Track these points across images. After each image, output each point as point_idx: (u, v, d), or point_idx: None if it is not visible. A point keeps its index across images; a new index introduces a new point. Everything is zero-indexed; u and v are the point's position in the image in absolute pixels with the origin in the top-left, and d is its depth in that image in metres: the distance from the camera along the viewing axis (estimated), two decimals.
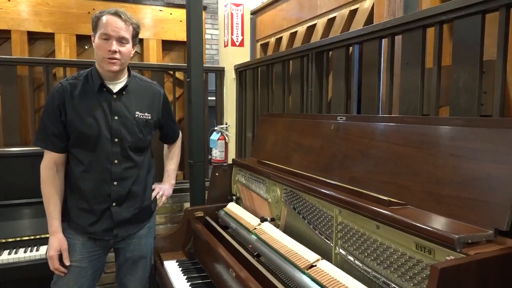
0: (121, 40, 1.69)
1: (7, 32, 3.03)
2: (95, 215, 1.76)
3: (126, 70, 1.82)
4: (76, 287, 1.78)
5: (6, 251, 2.18)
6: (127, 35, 1.70)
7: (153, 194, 1.96)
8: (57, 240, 1.74)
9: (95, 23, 1.71)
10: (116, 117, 1.75)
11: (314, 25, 2.96)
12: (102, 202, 1.76)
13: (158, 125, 1.96)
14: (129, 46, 1.73)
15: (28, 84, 2.89)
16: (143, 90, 1.87)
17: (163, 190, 2.03)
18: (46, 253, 1.77)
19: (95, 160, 1.73)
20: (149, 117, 1.84)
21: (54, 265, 1.73)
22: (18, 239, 2.25)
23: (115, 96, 1.76)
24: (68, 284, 1.77)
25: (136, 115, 1.80)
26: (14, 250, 2.19)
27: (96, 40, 1.70)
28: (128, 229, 1.85)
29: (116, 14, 1.69)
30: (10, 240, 2.24)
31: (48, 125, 1.72)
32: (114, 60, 1.68)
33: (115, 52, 1.66)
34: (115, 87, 1.77)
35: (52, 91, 1.75)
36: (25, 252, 2.18)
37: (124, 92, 1.78)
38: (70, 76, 1.81)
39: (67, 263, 1.74)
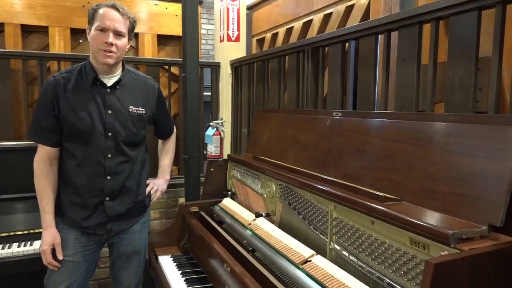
0: (117, 33, 1.68)
1: (0, 25, 2.99)
2: (89, 210, 1.75)
3: (120, 64, 1.81)
4: (69, 282, 1.77)
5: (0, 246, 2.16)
6: (124, 28, 1.70)
7: (147, 189, 1.96)
8: (50, 234, 1.73)
9: (92, 16, 1.69)
10: (109, 111, 1.74)
11: (310, 20, 2.95)
12: (96, 196, 1.75)
13: (152, 120, 1.95)
14: (125, 40, 1.72)
15: (22, 78, 2.86)
16: (137, 85, 1.86)
17: (157, 185, 2.03)
18: (39, 248, 1.76)
19: (88, 154, 1.72)
20: (143, 112, 1.83)
21: (47, 259, 1.73)
22: (12, 233, 2.24)
23: (108, 90, 1.75)
24: (61, 279, 1.76)
25: (130, 110, 1.79)
26: (8, 245, 2.18)
27: (92, 32, 1.69)
28: (121, 223, 1.84)
29: (114, 7, 1.69)
30: (3, 234, 2.22)
31: (41, 119, 1.71)
32: (110, 53, 1.67)
33: (111, 44, 1.66)
34: (109, 81, 1.76)
35: (46, 84, 1.74)
36: (18, 246, 2.17)
37: (118, 86, 1.77)
38: (64, 70, 1.80)
39: (60, 257, 1.74)
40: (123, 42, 1.71)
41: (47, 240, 1.72)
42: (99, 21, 1.66)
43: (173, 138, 2.16)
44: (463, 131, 1.06)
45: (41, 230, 2.24)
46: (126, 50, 1.78)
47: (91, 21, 1.70)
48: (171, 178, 2.15)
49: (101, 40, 1.66)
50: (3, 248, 2.15)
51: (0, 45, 2.98)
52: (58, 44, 3.14)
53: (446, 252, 0.91)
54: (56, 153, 1.75)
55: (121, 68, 1.81)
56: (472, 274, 0.85)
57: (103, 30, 1.66)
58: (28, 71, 2.93)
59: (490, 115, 1.22)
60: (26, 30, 3.12)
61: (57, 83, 1.71)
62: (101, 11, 1.67)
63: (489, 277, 0.87)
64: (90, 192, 1.74)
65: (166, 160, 2.13)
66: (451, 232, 0.89)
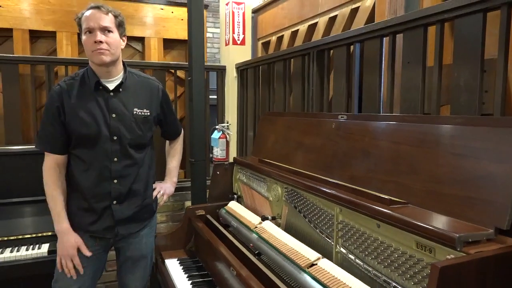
0: (104, 30, 1.69)
1: (9, 31, 3.03)
2: (96, 214, 1.77)
3: (121, 66, 1.81)
4: (77, 286, 1.78)
5: (8, 249, 2.18)
6: (109, 23, 1.70)
7: (154, 193, 1.96)
8: (72, 236, 1.74)
9: (78, 23, 1.73)
10: (113, 115, 1.75)
11: (316, 23, 2.95)
12: (103, 200, 1.76)
13: (158, 121, 1.95)
14: (114, 35, 1.72)
15: (30, 83, 2.89)
16: (140, 86, 1.86)
17: (164, 189, 2.03)
18: (57, 255, 1.77)
19: (94, 159, 1.73)
20: (148, 113, 1.84)
21: (75, 260, 1.75)
22: (20, 237, 2.25)
23: (111, 93, 1.76)
24: (69, 283, 1.77)
25: (134, 112, 1.79)
26: (16, 248, 2.20)
27: (82, 38, 1.71)
28: (129, 227, 1.85)
29: (95, 7, 1.70)
30: (12, 238, 2.24)
31: (48, 127, 1.73)
32: (102, 50, 1.68)
33: (100, 42, 1.66)
34: (111, 85, 1.77)
35: (51, 93, 1.76)
36: (27, 250, 2.19)
37: (120, 89, 1.78)
38: (68, 77, 1.82)
39: (88, 254, 1.76)
40: (113, 37, 1.71)
41: (71, 243, 1.73)
42: (84, 24, 1.69)
43: (180, 140, 2.16)
44: (469, 134, 1.06)
45: (49, 233, 2.27)
46: (122, 46, 1.79)
47: (80, 29, 1.73)
48: (177, 182, 2.15)
49: (90, 41, 1.68)
50: (11, 251, 2.16)
51: (9, 50, 3.02)
52: (66, 49, 3.17)
53: (452, 256, 0.91)
54: (64, 160, 1.77)
55: (122, 71, 1.82)
56: (478, 278, 0.85)
57: (90, 31, 1.68)
58: (36, 75, 2.96)
59: (496, 118, 1.22)
60: (34, 35, 3.15)
61: (62, 90, 1.73)
62: (84, 15, 1.70)
63: (496, 281, 0.87)
64: (97, 196, 1.75)
65: (173, 162, 2.13)
66: (457, 235, 0.89)
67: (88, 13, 1.69)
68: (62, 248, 1.74)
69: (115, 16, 1.73)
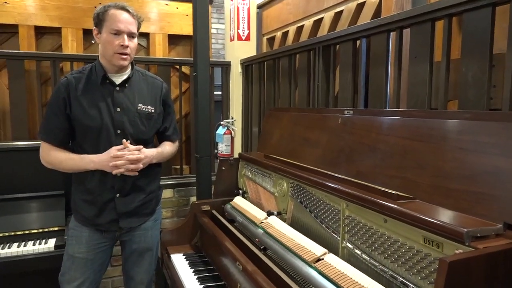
0: (130, 35, 1.71)
1: (15, 27, 3.04)
2: (99, 207, 1.78)
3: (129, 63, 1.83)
4: (83, 279, 1.80)
5: (15, 244, 2.20)
6: (135, 30, 1.73)
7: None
8: (105, 153, 1.72)
9: (101, 17, 1.70)
10: (118, 109, 1.76)
11: (321, 18, 2.94)
12: (106, 193, 1.77)
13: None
14: (135, 40, 1.76)
15: (36, 79, 2.90)
16: (145, 84, 1.87)
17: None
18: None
19: (98, 151, 1.74)
20: (152, 110, 1.85)
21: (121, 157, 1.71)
22: (27, 232, 2.27)
23: (117, 88, 1.77)
24: (75, 276, 1.79)
25: (139, 107, 1.81)
26: (23, 243, 2.22)
27: (104, 35, 1.70)
28: (131, 221, 1.86)
29: (124, 9, 1.70)
30: (18, 233, 2.26)
31: (51, 118, 1.74)
32: (126, 56, 1.70)
33: (127, 47, 1.68)
34: (118, 80, 1.78)
35: (58, 84, 1.77)
36: (33, 245, 2.20)
37: (126, 85, 1.80)
38: (75, 70, 1.83)
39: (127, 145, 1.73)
40: (134, 42, 1.75)
41: (107, 155, 1.70)
42: (113, 24, 1.67)
43: (175, 145, 2.05)
44: (477, 129, 1.05)
45: (55, 228, 2.29)
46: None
47: (99, 23, 1.71)
48: (182, 177, 2.14)
49: (116, 43, 1.68)
50: (18, 246, 2.18)
51: (15, 46, 3.03)
52: (71, 45, 3.18)
53: (461, 251, 0.91)
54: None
55: (130, 67, 1.83)
56: (487, 273, 0.84)
57: (117, 33, 1.68)
58: (42, 71, 2.96)
59: (505, 112, 1.21)
60: (40, 31, 3.16)
61: (69, 83, 1.74)
62: (111, 13, 1.69)
63: (505, 276, 0.86)
64: (100, 189, 1.77)
65: (160, 146, 1.98)
66: (466, 230, 0.89)
67: (118, 13, 1.68)
68: (106, 162, 1.70)
69: (139, 22, 1.77)
